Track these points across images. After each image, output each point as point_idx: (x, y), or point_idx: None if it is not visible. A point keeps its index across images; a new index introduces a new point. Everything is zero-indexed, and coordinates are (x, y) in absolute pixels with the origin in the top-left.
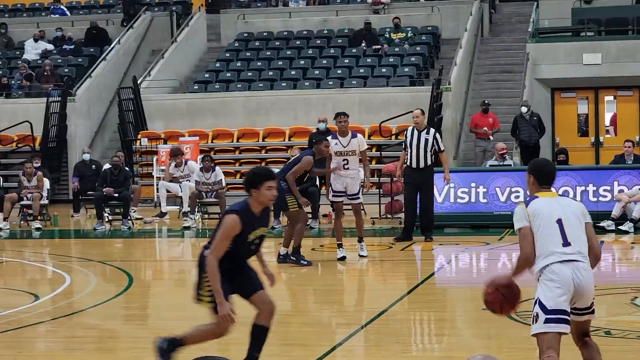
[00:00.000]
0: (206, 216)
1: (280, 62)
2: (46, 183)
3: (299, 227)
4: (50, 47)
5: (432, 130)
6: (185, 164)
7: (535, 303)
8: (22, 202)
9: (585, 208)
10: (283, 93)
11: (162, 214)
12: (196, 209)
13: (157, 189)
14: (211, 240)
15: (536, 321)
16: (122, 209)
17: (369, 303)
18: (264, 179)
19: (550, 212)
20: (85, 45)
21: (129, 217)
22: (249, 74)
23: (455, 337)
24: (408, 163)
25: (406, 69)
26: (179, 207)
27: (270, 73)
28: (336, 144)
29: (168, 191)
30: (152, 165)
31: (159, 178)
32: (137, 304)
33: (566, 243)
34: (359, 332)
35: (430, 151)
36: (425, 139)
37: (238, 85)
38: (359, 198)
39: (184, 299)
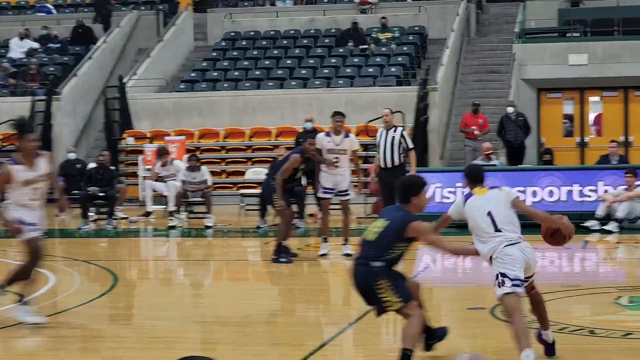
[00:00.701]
0: (192, 215)
1: (267, 62)
2: None
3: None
4: (35, 45)
5: (399, 129)
6: (171, 163)
7: (498, 276)
8: None
9: (510, 189)
10: (270, 92)
11: (147, 214)
12: (182, 209)
13: (143, 189)
14: (378, 250)
15: (503, 285)
16: (107, 208)
17: (355, 302)
18: (423, 186)
19: (481, 207)
20: (71, 43)
21: (114, 217)
22: (236, 73)
23: None
24: (379, 163)
25: (393, 69)
26: (164, 206)
27: (257, 72)
28: (329, 141)
29: (154, 190)
30: (137, 164)
31: (144, 177)
32: (122, 304)
33: (497, 230)
34: (345, 331)
35: (399, 150)
36: (392, 137)
37: (225, 85)
38: (348, 194)
39: (169, 299)
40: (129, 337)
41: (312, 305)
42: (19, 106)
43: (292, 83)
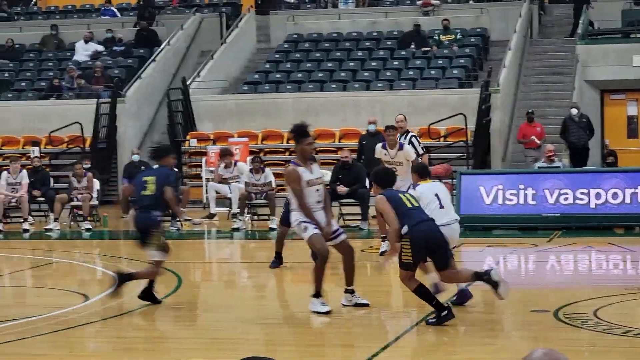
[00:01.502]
0: (255, 218)
1: (329, 64)
2: (96, 184)
3: None
4: (100, 48)
5: (410, 134)
6: (235, 165)
7: None
8: (72, 203)
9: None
10: (332, 95)
11: (211, 216)
12: (245, 211)
13: (207, 190)
14: None
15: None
16: (170, 210)
17: (417, 304)
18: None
19: (430, 190)
20: (135, 46)
21: (177, 219)
22: (299, 75)
23: (503, 339)
24: None
25: (455, 71)
26: (228, 208)
27: (320, 74)
28: (385, 154)
29: (217, 192)
30: (201, 166)
31: (208, 179)
32: (185, 305)
33: (441, 206)
34: (407, 333)
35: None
36: (401, 143)
37: (288, 87)
38: None
39: (232, 300)
40: (193, 339)
41: (374, 306)
42: (84, 108)
43: (355, 85)
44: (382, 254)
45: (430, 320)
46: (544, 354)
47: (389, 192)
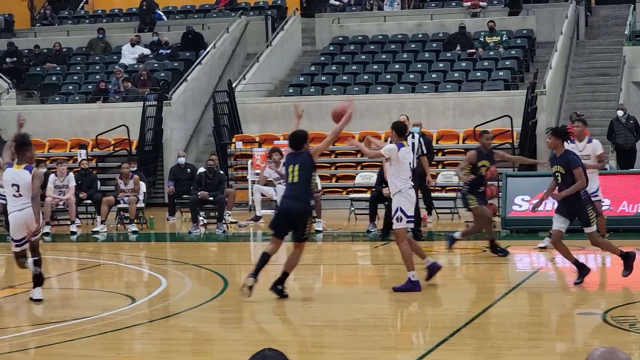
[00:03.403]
0: None
1: (375, 66)
2: (142, 186)
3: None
4: (146, 51)
5: (417, 135)
6: (282, 165)
7: (397, 211)
8: (118, 205)
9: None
10: (378, 97)
11: (256, 218)
12: None
13: (252, 193)
14: None
15: (400, 221)
16: (216, 213)
17: (464, 306)
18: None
19: (404, 156)
20: (181, 49)
21: (223, 221)
22: (344, 77)
23: (550, 342)
24: None
25: (501, 73)
26: (273, 210)
27: (365, 77)
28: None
29: (263, 195)
30: (246, 168)
31: (253, 182)
32: (232, 307)
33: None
34: (454, 335)
35: (415, 154)
36: (412, 143)
37: (333, 89)
38: None
39: (279, 302)
40: (239, 340)
41: (421, 308)
42: (131, 111)
43: (400, 87)
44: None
45: None
46: (605, 352)
47: None
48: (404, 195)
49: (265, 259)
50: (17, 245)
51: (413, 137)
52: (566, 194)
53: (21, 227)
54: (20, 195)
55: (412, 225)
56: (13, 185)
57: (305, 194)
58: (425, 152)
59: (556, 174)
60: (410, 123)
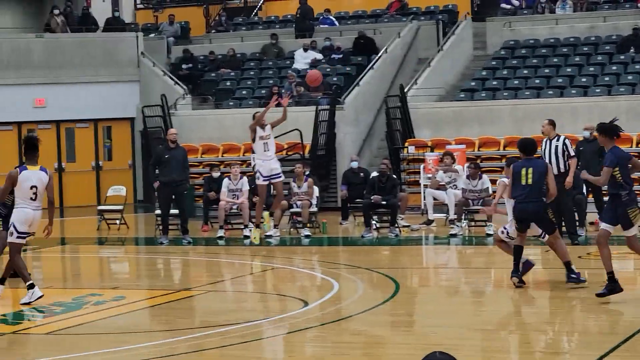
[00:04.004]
0: (472, 224)
1: (546, 70)
2: (315, 190)
3: None
4: (319, 56)
5: (561, 138)
6: (454, 169)
7: None
8: (291, 210)
9: None
10: (549, 101)
11: (429, 222)
12: (463, 217)
13: (424, 197)
14: None
15: None
16: (389, 217)
17: (633, 312)
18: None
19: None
20: (353, 54)
21: (396, 225)
22: (515, 82)
23: None
24: None
25: None
26: (445, 214)
27: (537, 81)
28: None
29: (435, 199)
30: (419, 173)
31: (425, 186)
32: (403, 311)
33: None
34: (626, 343)
35: (563, 157)
36: (556, 146)
37: (504, 93)
38: None
39: (450, 306)
40: (411, 344)
41: (593, 313)
42: (303, 116)
43: (572, 91)
44: None
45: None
46: None
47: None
48: None
49: (519, 251)
50: (19, 237)
51: (557, 140)
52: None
53: (28, 223)
54: (36, 199)
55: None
56: (32, 187)
57: (538, 194)
58: (573, 154)
59: None
60: (551, 128)
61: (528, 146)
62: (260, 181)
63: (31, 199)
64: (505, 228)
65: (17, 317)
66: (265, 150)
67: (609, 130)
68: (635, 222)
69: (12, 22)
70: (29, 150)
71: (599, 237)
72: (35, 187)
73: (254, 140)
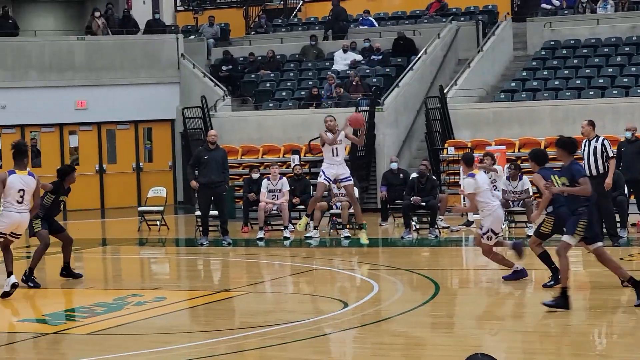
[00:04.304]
0: (513, 225)
1: (587, 70)
2: (355, 192)
3: None
4: (358, 57)
5: (600, 138)
6: (494, 170)
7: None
8: (331, 211)
9: None
10: (590, 101)
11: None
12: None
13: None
14: None
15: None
16: (429, 218)
17: None
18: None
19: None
20: (393, 55)
21: (436, 226)
22: (556, 82)
23: None
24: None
25: None
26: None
27: (578, 81)
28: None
29: None
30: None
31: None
32: (443, 312)
33: None
34: None
35: (602, 158)
36: (594, 147)
37: (545, 94)
38: None
39: (490, 308)
40: (450, 346)
41: (634, 315)
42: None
43: (614, 92)
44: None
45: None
46: None
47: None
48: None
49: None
50: (12, 236)
51: (596, 141)
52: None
53: (14, 226)
54: (23, 202)
55: None
56: (20, 190)
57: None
58: (612, 155)
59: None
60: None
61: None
62: (321, 179)
63: (18, 202)
64: (488, 231)
65: (58, 318)
66: (333, 155)
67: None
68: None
69: (55, 24)
70: (18, 155)
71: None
72: (23, 190)
73: (322, 144)
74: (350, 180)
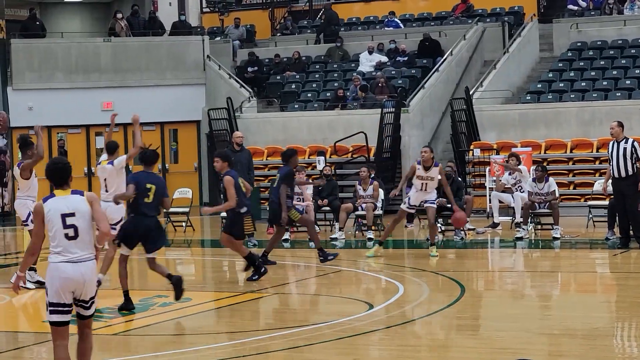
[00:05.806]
0: (539, 227)
1: (614, 72)
2: (381, 193)
3: None
4: (384, 59)
5: (630, 140)
6: (520, 171)
7: None
8: (356, 213)
9: None
10: (617, 103)
11: (494, 225)
12: (529, 220)
13: (490, 200)
14: None
15: None
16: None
17: None
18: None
19: None
20: (418, 56)
21: (461, 228)
22: (583, 84)
23: None
24: (612, 174)
25: None
26: (511, 217)
27: (604, 83)
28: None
29: (501, 202)
30: (484, 175)
31: (491, 189)
32: (468, 314)
33: None
34: None
35: (631, 159)
36: (624, 148)
37: (571, 96)
38: None
39: (516, 310)
40: (476, 347)
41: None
42: (368, 118)
43: None
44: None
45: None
46: None
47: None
48: None
49: None
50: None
51: (626, 142)
52: None
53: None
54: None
55: None
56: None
57: None
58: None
59: None
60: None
61: None
62: (404, 206)
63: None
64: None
65: None
66: (421, 189)
67: None
68: None
69: (81, 26)
70: (21, 148)
71: None
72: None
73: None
74: (434, 204)
